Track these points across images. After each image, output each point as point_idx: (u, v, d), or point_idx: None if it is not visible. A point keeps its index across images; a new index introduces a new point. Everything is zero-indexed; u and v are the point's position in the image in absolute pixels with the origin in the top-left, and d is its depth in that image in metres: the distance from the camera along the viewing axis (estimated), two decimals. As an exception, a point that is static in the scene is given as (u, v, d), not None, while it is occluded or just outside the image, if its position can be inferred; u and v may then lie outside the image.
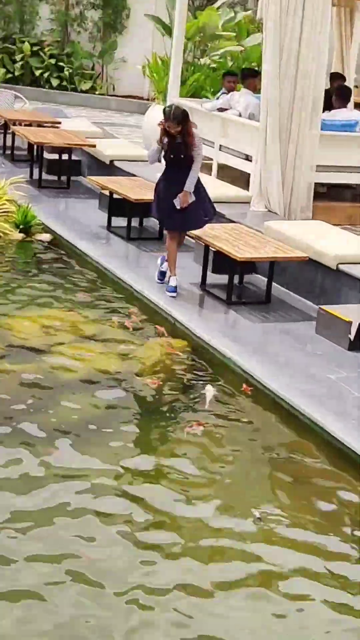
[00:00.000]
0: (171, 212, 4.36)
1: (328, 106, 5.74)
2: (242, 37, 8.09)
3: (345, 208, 5.66)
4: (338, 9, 6.34)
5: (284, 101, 5.17)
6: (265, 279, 4.29)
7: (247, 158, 5.72)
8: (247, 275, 4.57)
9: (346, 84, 6.27)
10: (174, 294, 4.26)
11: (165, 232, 4.77)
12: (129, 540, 2.11)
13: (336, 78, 6.30)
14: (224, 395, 3.18)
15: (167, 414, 3.05)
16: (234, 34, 7.84)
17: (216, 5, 8.34)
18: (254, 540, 2.16)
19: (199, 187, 4.39)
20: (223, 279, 4.30)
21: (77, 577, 1.93)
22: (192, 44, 7.83)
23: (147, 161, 5.70)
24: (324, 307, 3.83)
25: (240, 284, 4.48)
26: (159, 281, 4.46)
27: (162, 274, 4.47)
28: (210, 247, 4.37)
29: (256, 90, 5.79)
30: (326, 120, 5.51)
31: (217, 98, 6.55)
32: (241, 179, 5.83)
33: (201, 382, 3.30)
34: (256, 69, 6.50)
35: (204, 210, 4.41)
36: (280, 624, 1.85)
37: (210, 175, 6.01)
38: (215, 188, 5.28)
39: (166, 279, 4.35)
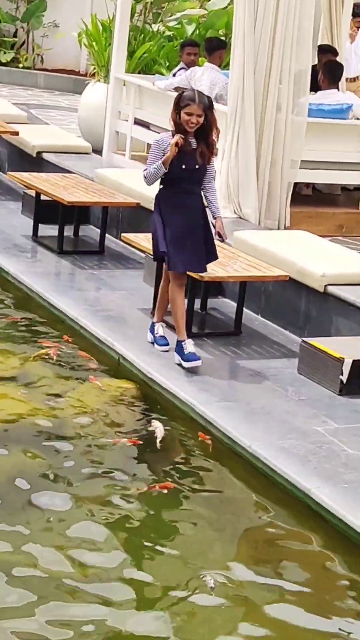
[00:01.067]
0: (197, 250, 4.51)
1: (315, 87, 6.47)
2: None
3: (334, 215, 6.29)
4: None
5: (259, 79, 5.79)
6: (235, 304, 4.66)
7: None
8: (213, 298, 4.95)
9: (337, 59, 7.02)
10: (199, 363, 4.24)
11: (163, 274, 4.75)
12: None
13: (325, 52, 7.11)
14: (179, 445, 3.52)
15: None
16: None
17: None
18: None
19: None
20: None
21: None
22: (142, 5, 8.84)
23: (85, 153, 5.89)
24: (308, 339, 4.15)
25: (203, 311, 4.82)
26: (160, 347, 4.46)
27: (163, 337, 4.51)
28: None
29: (223, 65, 6.65)
30: (312, 104, 6.14)
31: (174, 74, 7.42)
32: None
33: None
34: (223, 38, 7.32)
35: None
36: None
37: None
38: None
39: (183, 349, 4.30)
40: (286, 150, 5.86)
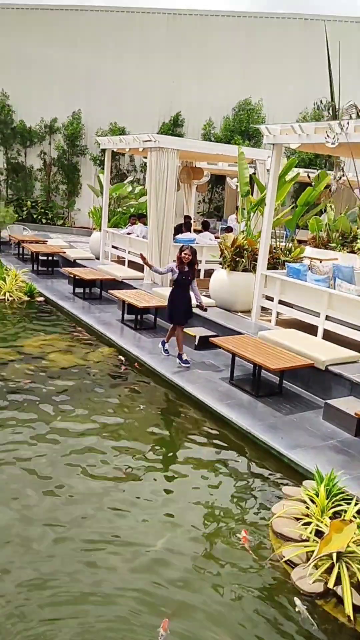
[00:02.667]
0: (183, 314, 8.44)
1: (180, 231, 13.42)
2: (137, 197, 16.60)
3: None
4: (184, 185, 14.38)
5: (159, 229, 12.76)
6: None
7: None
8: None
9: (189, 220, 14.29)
10: (188, 365, 8.26)
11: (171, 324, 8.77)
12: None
13: (187, 218, 14.89)
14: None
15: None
16: (133, 197, 15.81)
17: (126, 181, 16.52)
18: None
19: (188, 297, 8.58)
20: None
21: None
22: (114, 200, 16.29)
23: (93, 259, 12.18)
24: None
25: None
26: (165, 354, 8.76)
27: (167, 350, 8.79)
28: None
29: (145, 224, 13.56)
30: (179, 238, 13.29)
31: (126, 227, 14.85)
32: (139, 268, 13.15)
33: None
34: (144, 212, 14.17)
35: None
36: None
37: (124, 266, 13.30)
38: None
39: (182, 357, 8.30)
40: (169, 257, 12.80)
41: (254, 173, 13.37)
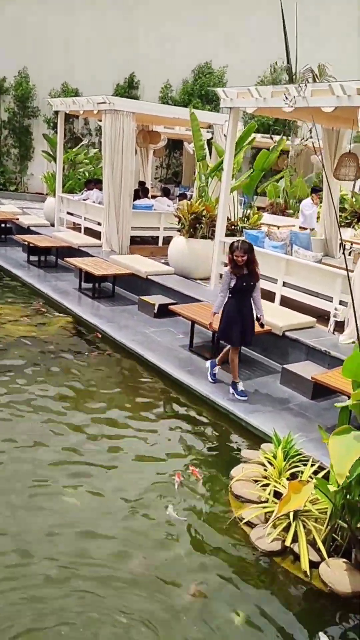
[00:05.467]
0: (241, 333, 6.44)
1: (138, 197, 13.32)
2: (93, 163, 16.30)
3: (148, 248, 13.01)
4: (140, 149, 14.16)
5: (115, 194, 12.35)
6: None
7: (98, 223, 12.93)
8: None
9: (146, 186, 14.09)
10: (245, 398, 6.45)
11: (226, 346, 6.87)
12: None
13: (141, 184, 14.66)
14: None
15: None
16: (88, 162, 15.45)
17: (79, 145, 16.15)
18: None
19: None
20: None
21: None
22: (68, 165, 15.87)
23: (47, 226, 11.77)
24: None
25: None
26: (212, 379, 6.84)
27: (214, 375, 6.88)
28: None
29: (100, 189, 13.33)
30: (136, 204, 13.23)
31: (82, 193, 14.47)
32: (96, 235, 13.12)
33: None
34: (100, 178, 14.05)
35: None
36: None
37: (80, 233, 13.15)
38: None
39: (237, 387, 6.50)
40: (126, 222, 12.65)
41: (211, 138, 13.25)
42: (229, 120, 9.52)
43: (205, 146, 11.47)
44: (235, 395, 6.53)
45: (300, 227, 12.55)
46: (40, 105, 23.94)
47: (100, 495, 4.84)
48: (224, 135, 11.48)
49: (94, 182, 13.94)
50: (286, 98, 7.93)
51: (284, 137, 13.40)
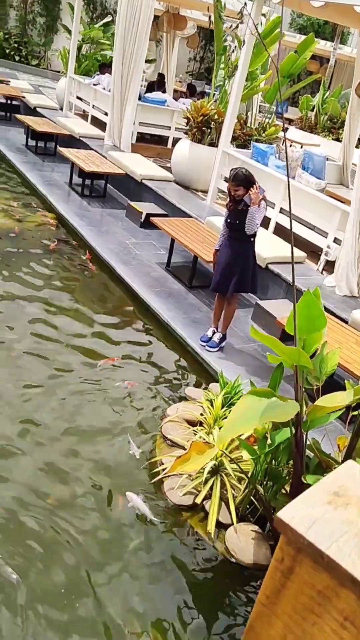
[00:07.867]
0: (226, 278, 5.32)
1: (153, 89, 12.09)
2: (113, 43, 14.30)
3: (155, 148, 11.88)
4: (166, 35, 12.72)
5: (122, 81, 10.86)
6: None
7: (105, 113, 11.79)
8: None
9: (165, 79, 12.92)
10: (215, 349, 5.60)
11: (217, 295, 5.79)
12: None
13: (160, 76, 13.22)
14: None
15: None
16: (108, 42, 13.97)
17: (100, 23, 14.56)
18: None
19: (252, 257, 5.35)
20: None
21: None
22: (86, 44, 14.35)
23: (56, 109, 10.60)
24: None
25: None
26: (202, 343, 5.69)
27: (210, 342, 5.68)
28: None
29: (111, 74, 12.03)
30: (147, 97, 12.05)
31: (93, 77, 13.11)
32: (103, 126, 11.99)
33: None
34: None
35: (252, 279, 5.41)
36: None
37: (87, 121, 12.14)
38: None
39: (214, 335, 5.68)
40: (131, 116, 11.47)
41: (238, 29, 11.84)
42: (252, 8, 8.23)
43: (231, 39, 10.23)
44: (206, 345, 5.69)
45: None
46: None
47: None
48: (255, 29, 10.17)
49: (108, 66, 12.58)
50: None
51: (317, 40, 11.78)
